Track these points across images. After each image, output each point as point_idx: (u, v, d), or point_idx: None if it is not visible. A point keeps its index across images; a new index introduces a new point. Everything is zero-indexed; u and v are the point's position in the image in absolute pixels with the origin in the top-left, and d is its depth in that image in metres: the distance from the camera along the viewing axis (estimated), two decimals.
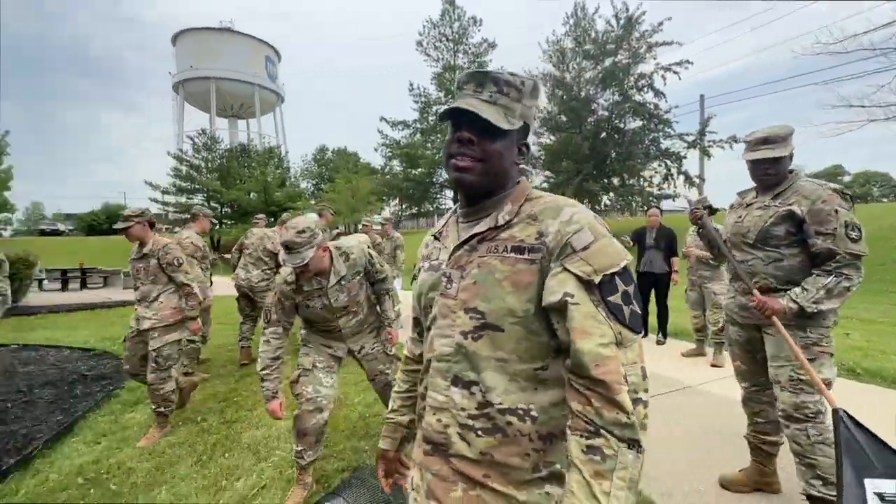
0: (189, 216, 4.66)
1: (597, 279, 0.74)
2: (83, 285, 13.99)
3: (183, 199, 27.37)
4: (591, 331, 0.72)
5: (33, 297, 10.62)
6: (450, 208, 1.08)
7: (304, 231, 2.04)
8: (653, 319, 5.54)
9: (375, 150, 24.67)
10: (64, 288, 13.42)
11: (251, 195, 27.47)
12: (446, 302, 0.87)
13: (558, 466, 0.80)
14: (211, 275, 4.64)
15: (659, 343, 5.32)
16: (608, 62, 17.71)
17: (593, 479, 0.67)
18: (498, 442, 0.80)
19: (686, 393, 3.74)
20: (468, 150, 0.84)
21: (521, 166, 1.98)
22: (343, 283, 2.31)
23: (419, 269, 1.02)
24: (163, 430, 3.11)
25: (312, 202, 32.87)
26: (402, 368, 1.18)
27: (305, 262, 2.04)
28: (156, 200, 27.27)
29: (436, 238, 1.00)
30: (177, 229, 5.08)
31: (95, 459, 2.79)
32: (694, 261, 4.63)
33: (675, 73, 16.78)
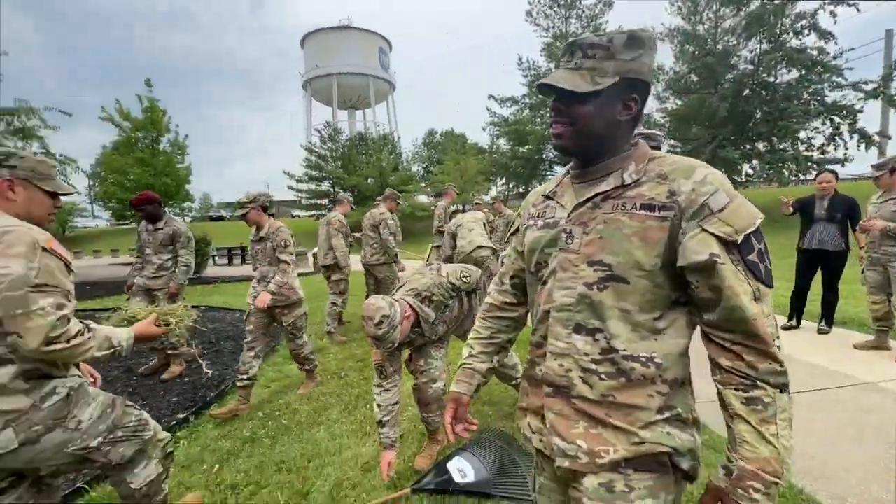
0: (335, 200, 5.45)
1: (738, 239, 0.77)
2: (243, 261, 16.74)
3: (313, 186, 30.73)
4: (738, 289, 0.77)
5: (210, 270, 13.06)
6: None
7: (381, 322, 1.94)
8: (814, 305, 4.74)
9: (483, 129, 24.71)
10: (230, 263, 16.24)
11: (369, 180, 29.70)
12: (567, 256, 0.91)
13: (679, 411, 0.87)
14: (350, 250, 5.24)
15: (821, 332, 4.53)
16: (754, 5, 15.05)
17: (761, 426, 0.76)
18: (621, 385, 0.86)
19: (862, 389, 3.15)
20: (559, 118, 0.91)
21: (653, 131, 1.82)
22: (436, 322, 2.28)
23: (525, 227, 1.07)
24: (314, 382, 3.63)
25: (423, 184, 34.35)
26: (484, 315, 1.21)
27: (396, 344, 2.03)
28: (292, 188, 31.10)
29: (547, 197, 1.04)
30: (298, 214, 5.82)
31: (269, 399, 3.39)
32: (878, 235, 3.81)
33: (851, 5, 13.59)
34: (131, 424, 1.61)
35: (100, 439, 1.49)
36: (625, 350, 0.85)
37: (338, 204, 5.32)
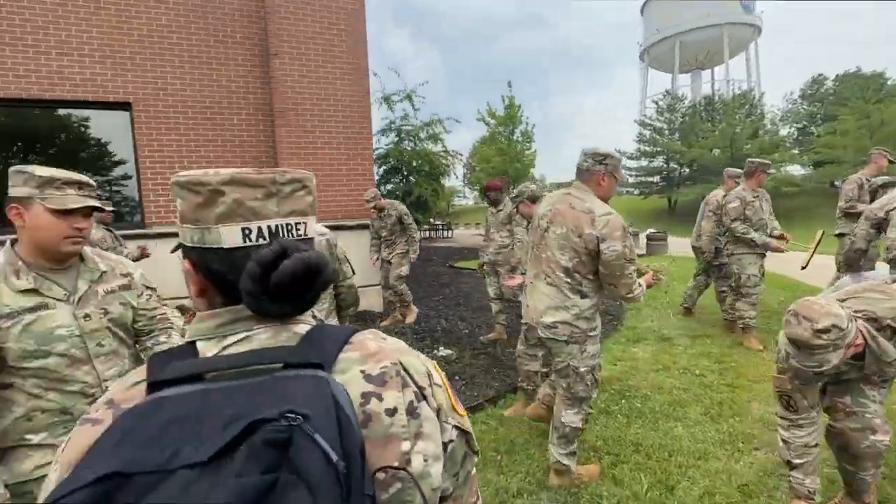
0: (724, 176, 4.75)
1: None
2: None
3: (645, 163, 28.98)
4: None
5: None
6: None
7: (826, 331, 1.45)
8: None
9: None
10: None
11: (714, 152, 25.27)
12: None
13: None
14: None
15: None
16: None
17: None
18: None
19: None
20: None
21: None
22: (894, 362, 1.62)
23: None
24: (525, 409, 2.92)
25: (795, 151, 26.23)
26: None
27: (822, 367, 1.49)
28: (622, 166, 30.41)
29: None
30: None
31: (618, 377, 3.46)
32: None
33: None
34: (595, 377, 2.13)
35: (584, 369, 2.06)
36: None
37: (722, 182, 4.65)
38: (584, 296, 2.02)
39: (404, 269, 4.92)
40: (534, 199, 3.36)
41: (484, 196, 4.76)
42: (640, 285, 2.04)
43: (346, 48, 5.18)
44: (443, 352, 4.15)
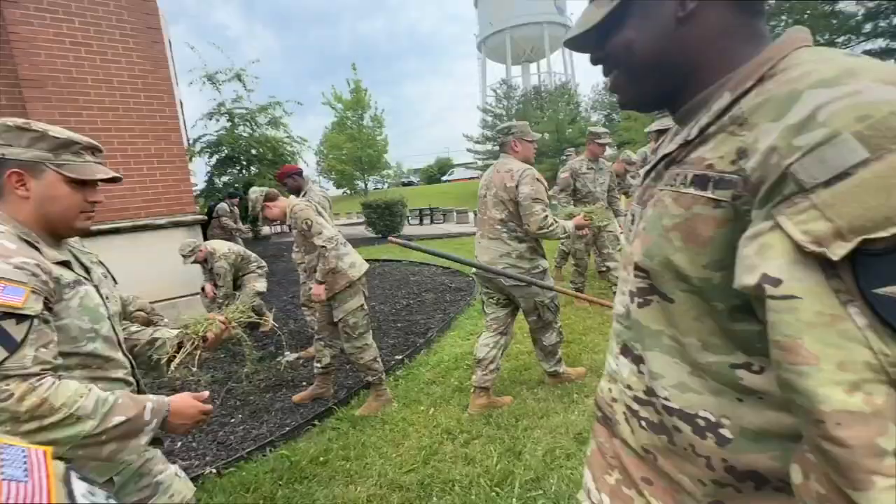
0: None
1: (840, 250, 0.35)
2: (431, 220, 18.38)
3: (490, 147, 31.34)
4: (818, 354, 0.36)
5: (406, 229, 14.74)
6: None
7: None
8: None
9: None
10: (421, 223, 18.05)
11: (545, 136, 28.63)
12: (626, 249, 0.66)
13: None
14: None
15: None
16: None
17: None
18: (663, 445, 0.59)
19: None
20: (606, 69, 0.64)
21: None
22: None
23: None
24: (379, 402, 2.79)
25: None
26: None
27: None
28: (470, 150, 32.42)
29: None
30: None
31: (469, 351, 3.52)
32: None
33: None
34: (555, 304, 2.64)
35: (546, 300, 2.56)
36: (667, 399, 0.57)
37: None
38: (521, 241, 2.47)
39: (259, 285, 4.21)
40: (271, 199, 2.81)
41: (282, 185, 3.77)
42: (555, 222, 2.39)
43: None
44: (290, 357, 3.71)
